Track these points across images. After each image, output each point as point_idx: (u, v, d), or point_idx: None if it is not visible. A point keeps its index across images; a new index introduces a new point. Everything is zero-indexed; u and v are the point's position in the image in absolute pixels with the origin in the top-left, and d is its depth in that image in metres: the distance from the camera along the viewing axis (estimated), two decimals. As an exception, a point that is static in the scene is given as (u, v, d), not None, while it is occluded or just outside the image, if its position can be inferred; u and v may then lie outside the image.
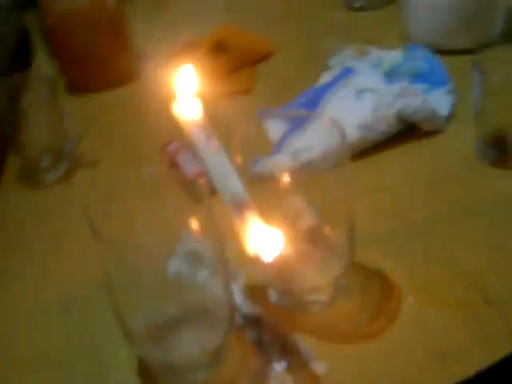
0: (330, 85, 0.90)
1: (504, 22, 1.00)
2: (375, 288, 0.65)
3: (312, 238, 0.64)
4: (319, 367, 0.58)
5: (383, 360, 0.59)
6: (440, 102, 0.87)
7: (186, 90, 0.60)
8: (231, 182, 0.55)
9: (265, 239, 0.53)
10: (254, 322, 0.62)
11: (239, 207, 0.53)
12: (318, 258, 0.65)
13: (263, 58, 1.04)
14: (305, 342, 0.60)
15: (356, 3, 1.15)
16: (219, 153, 0.56)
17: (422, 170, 0.81)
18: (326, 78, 0.94)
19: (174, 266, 0.55)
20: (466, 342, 0.60)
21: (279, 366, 0.58)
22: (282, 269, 0.64)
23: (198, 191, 0.58)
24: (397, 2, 1.13)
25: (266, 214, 0.61)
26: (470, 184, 0.78)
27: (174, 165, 0.84)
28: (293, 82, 0.98)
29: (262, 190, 0.60)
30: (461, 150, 0.82)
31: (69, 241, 0.78)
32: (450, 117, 0.87)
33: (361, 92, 0.87)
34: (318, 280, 0.64)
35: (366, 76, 0.90)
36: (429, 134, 0.85)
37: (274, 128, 0.86)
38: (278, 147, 0.79)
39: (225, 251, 0.58)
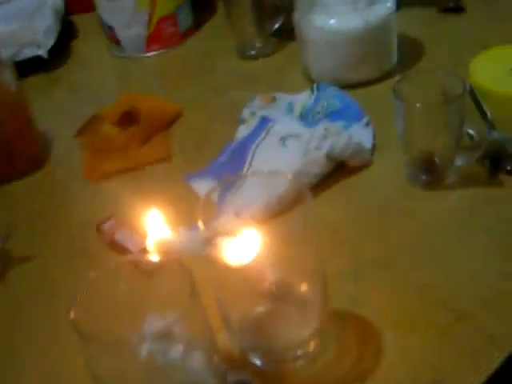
0: (251, 137, 0.90)
1: (398, 49, 1.04)
2: (353, 332, 0.65)
3: (281, 295, 0.63)
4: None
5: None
6: (362, 135, 0.89)
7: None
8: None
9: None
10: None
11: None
12: (293, 312, 0.64)
13: (174, 121, 1.03)
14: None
15: (249, 52, 1.16)
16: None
17: (360, 205, 0.82)
18: (243, 131, 0.94)
19: (144, 350, 0.53)
20: (455, 363, 0.61)
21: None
22: (258, 332, 0.63)
23: (148, 267, 0.56)
24: (289, 46, 1.16)
25: (227, 280, 0.61)
26: (409, 210, 0.80)
27: (113, 244, 0.81)
28: (209, 140, 0.98)
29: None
30: (392, 178, 0.84)
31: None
32: (374, 149, 0.89)
33: (284, 139, 0.87)
34: (297, 335, 0.63)
35: (284, 122, 0.91)
36: (358, 169, 0.86)
37: (204, 190, 0.85)
38: (219, 210, 0.78)
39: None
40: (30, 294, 0.78)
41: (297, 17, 1.03)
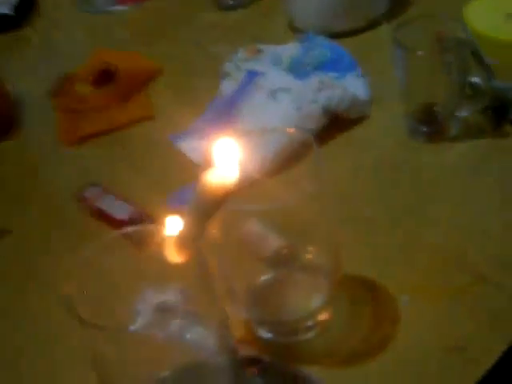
0: (238, 92, 0.85)
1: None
2: (366, 297, 0.61)
3: (288, 261, 0.58)
4: None
5: (402, 370, 0.55)
6: (356, 87, 0.83)
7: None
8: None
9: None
10: (257, 365, 0.56)
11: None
12: (302, 280, 0.59)
13: (152, 78, 0.96)
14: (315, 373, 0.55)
15: (227, 2, 1.10)
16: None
17: (359, 161, 0.77)
18: (227, 85, 0.88)
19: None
20: (477, 327, 0.57)
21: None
22: (265, 303, 0.59)
23: (140, 236, 0.51)
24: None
25: (226, 246, 0.56)
26: (411, 165, 0.76)
27: (96, 213, 0.75)
28: (191, 96, 0.92)
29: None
30: (391, 132, 0.80)
31: None
32: (370, 100, 0.83)
33: (274, 93, 0.82)
34: (307, 304, 0.58)
35: (273, 75, 0.86)
36: (354, 123, 0.81)
37: (192, 149, 0.80)
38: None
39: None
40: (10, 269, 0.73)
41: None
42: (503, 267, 0.62)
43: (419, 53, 0.72)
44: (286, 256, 0.57)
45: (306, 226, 0.56)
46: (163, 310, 0.51)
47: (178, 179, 0.75)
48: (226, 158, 0.41)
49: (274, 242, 0.57)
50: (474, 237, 0.65)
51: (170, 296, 0.50)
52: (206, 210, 0.44)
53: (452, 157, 0.76)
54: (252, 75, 0.86)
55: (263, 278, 0.59)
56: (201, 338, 0.51)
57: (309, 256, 0.59)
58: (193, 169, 0.77)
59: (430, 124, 0.78)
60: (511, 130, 0.77)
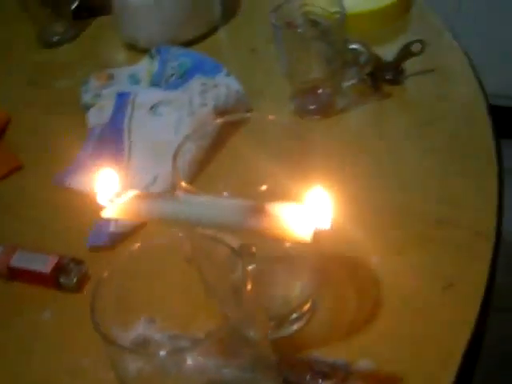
0: (116, 116, 0.81)
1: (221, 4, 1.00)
2: (346, 274, 0.60)
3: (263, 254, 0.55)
4: (364, 365, 0.52)
5: (407, 323, 0.55)
6: (232, 84, 0.82)
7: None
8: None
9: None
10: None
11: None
12: (281, 273, 0.56)
13: (3, 128, 0.89)
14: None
15: (53, 39, 1.04)
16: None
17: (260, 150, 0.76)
18: (97, 114, 0.83)
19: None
20: (459, 266, 0.59)
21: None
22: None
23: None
24: (93, 25, 1.06)
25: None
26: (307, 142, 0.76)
27: (12, 272, 0.67)
28: (55, 135, 0.85)
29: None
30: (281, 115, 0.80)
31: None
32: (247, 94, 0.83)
33: (154, 108, 0.79)
34: (290, 298, 0.56)
35: (145, 92, 0.83)
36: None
37: (85, 184, 0.75)
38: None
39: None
40: None
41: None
42: (447, 205, 0.64)
43: (297, 30, 0.73)
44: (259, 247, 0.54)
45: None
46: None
47: (76, 216, 0.70)
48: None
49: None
50: (404, 190, 0.67)
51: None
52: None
53: (345, 126, 0.78)
54: (123, 96, 0.82)
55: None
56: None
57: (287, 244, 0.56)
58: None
59: (316, 101, 0.79)
60: (390, 89, 0.80)
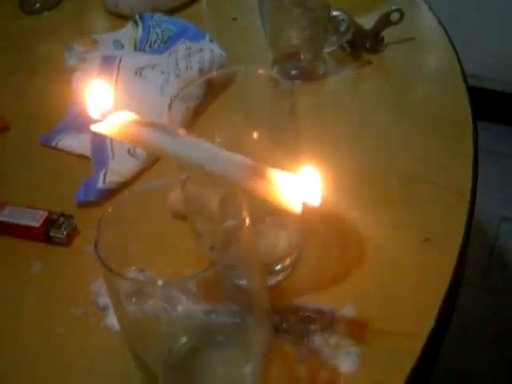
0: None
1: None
2: (328, 227, 0.62)
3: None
4: (348, 311, 0.55)
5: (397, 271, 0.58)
6: (215, 49, 0.84)
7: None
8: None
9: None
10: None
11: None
12: (266, 225, 0.58)
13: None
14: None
15: (35, 6, 1.05)
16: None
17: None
18: (83, 77, 0.85)
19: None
20: (436, 220, 0.61)
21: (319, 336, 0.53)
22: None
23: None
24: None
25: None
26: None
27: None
28: (43, 98, 0.85)
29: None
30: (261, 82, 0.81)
31: None
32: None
33: (140, 70, 0.81)
34: (274, 249, 0.58)
35: (131, 56, 0.84)
36: (226, 83, 0.82)
37: (74, 144, 0.76)
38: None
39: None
40: None
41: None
42: (424, 164, 0.67)
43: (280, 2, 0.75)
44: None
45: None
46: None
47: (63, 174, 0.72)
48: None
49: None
50: (382, 151, 0.70)
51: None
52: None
53: (326, 91, 0.80)
54: (109, 59, 0.83)
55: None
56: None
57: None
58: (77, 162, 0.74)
59: (298, 67, 0.81)
60: (369, 57, 0.83)
